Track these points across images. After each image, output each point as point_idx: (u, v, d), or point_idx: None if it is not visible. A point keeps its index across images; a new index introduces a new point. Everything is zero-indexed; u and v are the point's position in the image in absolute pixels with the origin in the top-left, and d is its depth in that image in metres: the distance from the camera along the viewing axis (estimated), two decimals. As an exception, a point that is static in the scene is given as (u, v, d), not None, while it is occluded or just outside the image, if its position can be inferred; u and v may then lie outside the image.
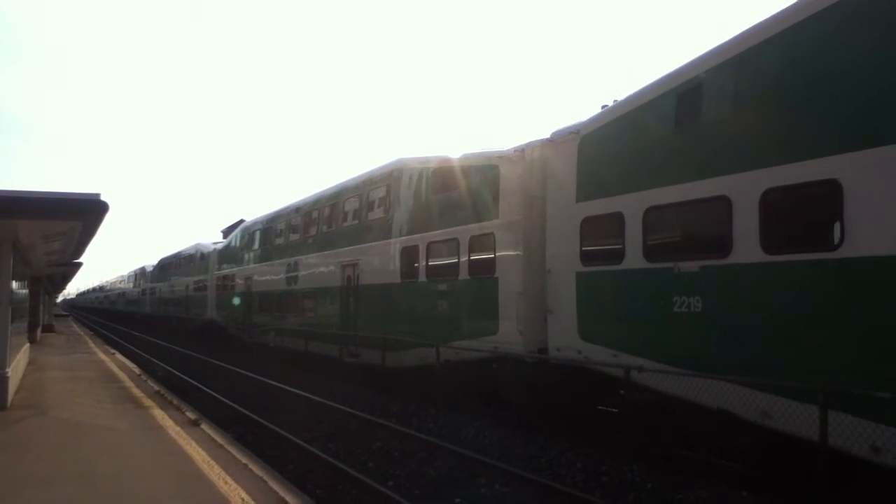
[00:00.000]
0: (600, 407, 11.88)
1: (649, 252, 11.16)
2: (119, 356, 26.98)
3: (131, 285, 74.02)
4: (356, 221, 21.74)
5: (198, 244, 43.37)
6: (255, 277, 30.95)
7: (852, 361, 8.11)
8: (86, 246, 17.58)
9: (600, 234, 12.26)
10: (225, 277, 36.12)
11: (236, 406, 16.05)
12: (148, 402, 14.39)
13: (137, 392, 16.03)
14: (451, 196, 16.70)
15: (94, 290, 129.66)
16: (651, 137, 11.35)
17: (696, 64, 10.63)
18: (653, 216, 11.15)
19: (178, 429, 11.46)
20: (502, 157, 14.99)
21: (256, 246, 31.78)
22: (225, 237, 42.37)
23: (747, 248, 9.53)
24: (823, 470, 8.07)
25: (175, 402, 14.53)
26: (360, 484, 9.77)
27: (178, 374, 22.73)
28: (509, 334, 14.21)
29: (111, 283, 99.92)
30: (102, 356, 26.51)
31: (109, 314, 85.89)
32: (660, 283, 10.85)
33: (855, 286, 8.24)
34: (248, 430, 13.68)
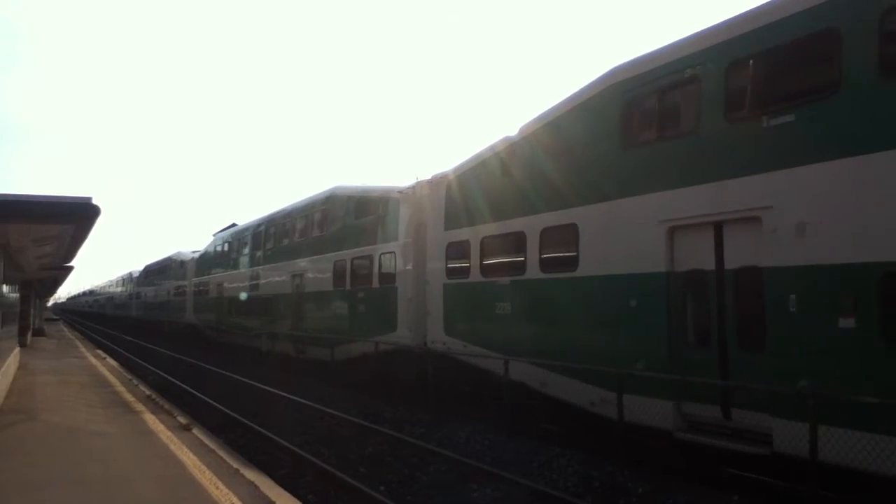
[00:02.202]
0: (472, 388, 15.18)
1: (483, 270, 15.16)
2: (110, 360, 26.92)
3: (119, 290, 75.44)
4: (302, 238, 25.58)
5: (178, 252, 46.31)
6: (226, 284, 34.19)
7: (595, 346, 11.94)
8: (77, 250, 17.52)
9: (458, 255, 16.07)
10: (201, 284, 39.09)
11: (228, 411, 16.04)
12: (139, 407, 14.33)
13: (129, 397, 15.97)
14: (367, 221, 20.62)
15: (84, 294, 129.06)
16: (486, 186, 15.34)
17: (511, 138, 14.71)
18: (486, 243, 15.14)
19: (169, 433, 11.40)
20: (402, 192, 19.02)
21: (226, 256, 34.96)
22: None
23: (534, 268, 13.57)
24: (542, 406, 12.96)
25: (166, 406, 14.49)
26: (352, 489, 9.78)
27: (169, 378, 22.76)
28: (403, 331, 18.09)
29: (101, 288, 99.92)
30: (93, 360, 26.46)
31: (99, 318, 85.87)
32: (489, 293, 14.80)
33: (590, 295, 12.20)
34: (240, 435, 13.66)
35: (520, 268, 13.93)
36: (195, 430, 11.77)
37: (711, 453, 9.73)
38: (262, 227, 30.12)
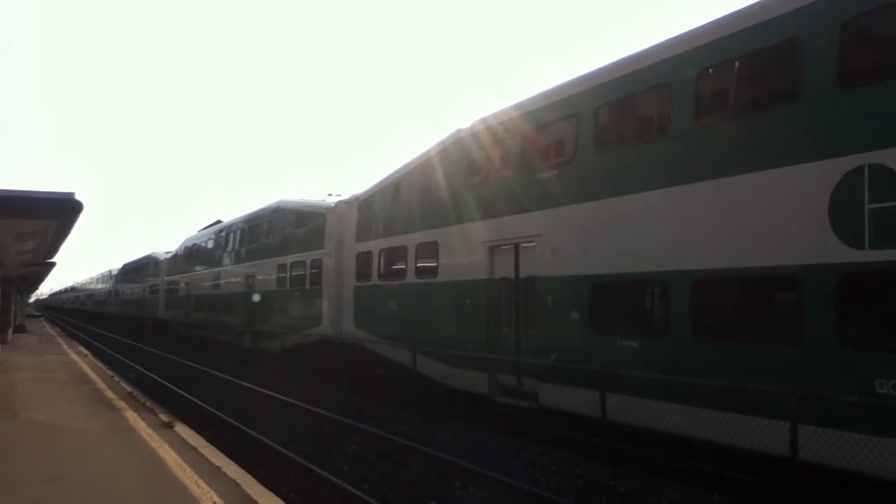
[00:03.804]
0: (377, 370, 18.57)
1: (379, 275, 19.03)
2: (91, 357, 26.70)
3: (100, 286, 78.22)
4: (253, 244, 29.38)
5: (154, 252, 49.65)
6: (193, 283, 37.69)
7: (446, 334, 15.57)
8: (59, 246, 17.45)
9: (364, 262, 19.87)
10: (171, 282, 42.87)
11: (210, 408, 16.05)
12: (120, 404, 14.26)
13: (110, 394, 15.87)
14: (303, 231, 24.27)
15: (66, 290, 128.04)
16: (383, 208, 19.36)
17: (396, 172, 18.82)
18: (382, 254, 18.96)
19: (150, 431, 11.34)
20: (328, 208, 22.79)
21: (192, 258, 38.53)
22: None
23: (411, 275, 17.39)
24: (417, 387, 15.89)
25: (148, 404, 14.41)
26: (335, 487, 9.80)
27: (151, 375, 22.79)
28: (326, 325, 21.76)
29: (82, 284, 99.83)
30: (75, 357, 26.28)
31: (80, 314, 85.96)
32: (383, 294, 18.70)
33: (446, 295, 15.88)
34: (222, 433, 13.59)
35: (403, 274, 17.83)
36: (177, 428, 11.72)
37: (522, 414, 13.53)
38: (223, 233, 34.00)
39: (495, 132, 14.88)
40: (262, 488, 8.12)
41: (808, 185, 8.67)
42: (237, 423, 14.26)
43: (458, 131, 16.11)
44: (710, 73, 10.30)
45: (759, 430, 8.63)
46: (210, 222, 38.80)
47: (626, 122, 11.93)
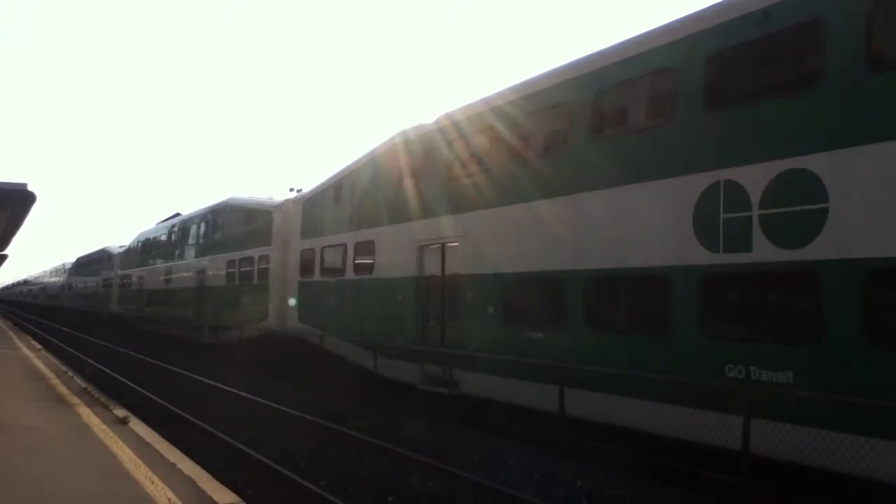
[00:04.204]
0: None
1: (322, 271, 20.00)
2: (44, 352, 26.12)
3: (53, 280, 77.76)
4: (204, 240, 30.33)
5: (107, 246, 49.94)
6: (145, 277, 38.30)
7: (381, 327, 16.58)
8: (11, 238, 17.07)
9: (308, 259, 20.81)
10: (125, 277, 43.40)
11: (167, 404, 15.88)
12: (74, 400, 13.98)
13: (63, 389, 15.54)
14: (251, 228, 25.16)
15: (18, 283, 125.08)
16: (326, 207, 20.35)
17: (338, 174, 20.00)
18: (324, 251, 19.97)
19: (104, 427, 11.12)
20: (275, 206, 23.78)
21: (146, 252, 39.13)
22: None
23: (350, 271, 18.45)
24: (354, 371, 17.31)
25: (102, 399, 14.15)
26: (292, 483, 9.76)
27: (106, 370, 22.45)
28: (272, 319, 22.77)
29: (35, 278, 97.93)
30: (27, 352, 25.68)
31: (33, 308, 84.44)
32: (325, 289, 19.68)
33: (381, 290, 16.86)
34: (179, 429, 13.42)
35: (342, 270, 18.81)
36: (132, 424, 11.52)
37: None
38: (175, 228, 34.51)
39: (424, 140, 15.99)
40: (218, 485, 8.00)
41: (676, 196, 9.90)
42: (194, 419, 14.16)
43: (392, 138, 17.21)
44: (601, 96, 11.53)
45: (637, 410, 9.93)
46: (170, 215, 38.91)
47: (538, 136, 13.00)
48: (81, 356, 27.18)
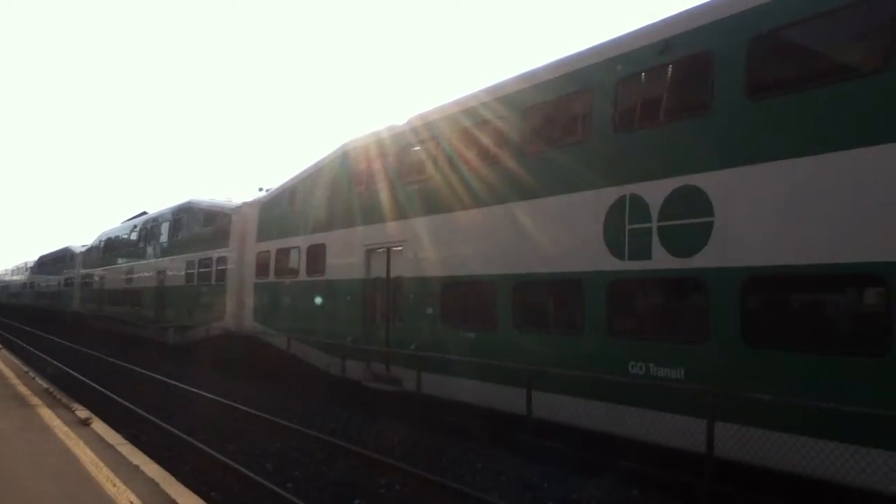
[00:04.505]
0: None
1: (276, 273, 20.73)
2: (5, 351, 25.60)
3: (15, 278, 76.90)
4: (164, 241, 30.63)
5: (68, 246, 50.06)
6: (106, 277, 38.52)
7: (330, 327, 17.34)
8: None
9: (263, 261, 21.52)
10: (87, 276, 43.47)
11: (131, 405, 15.64)
12: (34, 401, 13.71)
13: (23, 390, 15.24)
14: (211, 230, 25.61)
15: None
16: (280, 211, 21.06)
17: (292, 179, 20.65)
18: (278, 253, 20.69)
19: (66, 429, 10.92)
20: (233, 208, 24.27)
21: (108, 252, 39.19)
22: None
23: (303, 273, 19.16)
24: (306, 370, 17.96)
25: (64, 400, 13.88)
26: (257, 486, 9.65)
27: (68, 370, 22.05)
28: (229, 318, 23.28)
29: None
30: (-14, 352, 25.07)
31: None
32: (279, 290, 20.55)
33: (331, 292, 17.60)
34: (143, 431, 13.32)
35: (295, 272, 19.51)
36: (94, 425, 11.31)
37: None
38: (136, 228, 34.82)
39: (372, 148, 16.77)
40: (181, 488, 7.89)
41: (590, 208, 10.81)
42: (158, 420, 14.02)
43: (345, 145, 17.96)
44: (527, 114, 12.41)
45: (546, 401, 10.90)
46: (137, 213, 38.66)
47: (472, 149, 13.74)
48: (43, 356, 26.78)
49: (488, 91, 13.38)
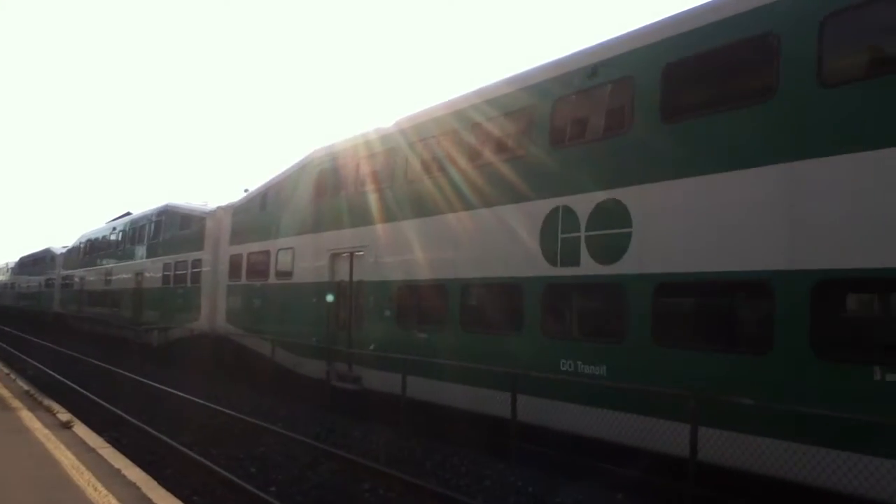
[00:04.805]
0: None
1: (247, 275, 21.41)
2: (-15, 353, 25.32)
3: None
4: (143, 243, 30.98)
5: (49, 247, 50.53)
6: (87, 278, 39.08)
7: (298, 328, 17.99)
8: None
9: (236, 264, 22.17)
10: (67, 277, 44.00)
11: (113, 408, 15.53)
12: (15, 403, 13.61)
13: (4, 392, 15.14)
14: (187, 233, 26.35)
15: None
16: (252, 216, 21.84)
17: (264, 185, 21.51)
18: (250, 257, 21.30)
19: (46, 432, 10.83)
20: (208, 212, 24.93)
21: (87, 254, 39.83)
22: None
23: (273, 276, 19.86)
24: (275, 369, 18.64)
25: (45, 402, 13.78)
26: (240, 490, 9.59)
27: (50, 372, 21.92)
28: (203, 319, 23.97)
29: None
30: (-34, 354, 24.82)
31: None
32: (250, 292, 21.20)
33: (299, 294, 18.23)
34: (125, 434, 13.23)
35: (266, 275, 20.21)
36: (76, 428, 11.25)
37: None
38: (116, 231, 35.46)
39: (337, 157, 17.61)
40: (164, 492, 7.84)
41: (528, 218, 11.66)
42: (140, 424, 13.90)
43: (312, 153, 18.78)
44: (473, 129, 13.30)
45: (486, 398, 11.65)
46: (121, 214, 38.93)
47: (427, 161, 14.55)
48: (24, 357, 26.60)
49: (441, 106, 14.27)
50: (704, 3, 9.67)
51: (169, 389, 18.55)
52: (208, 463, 10.96)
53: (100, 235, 38.51)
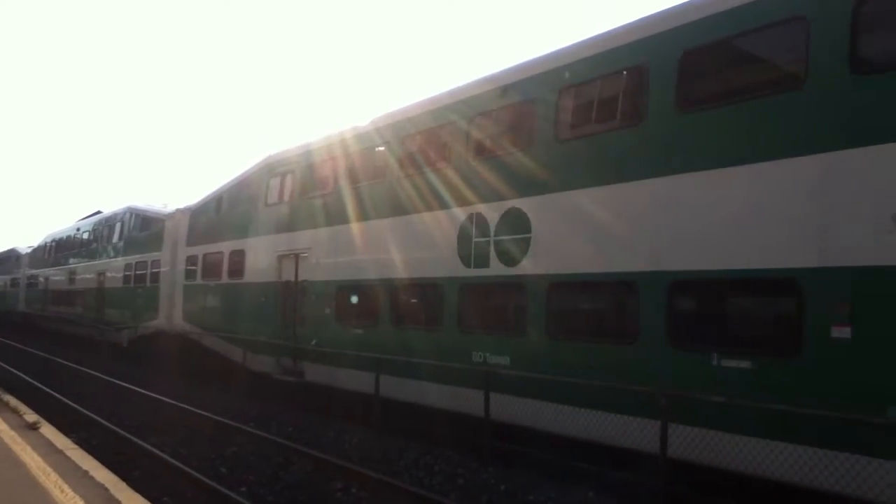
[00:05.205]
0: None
1: (203, 275, 22.26)
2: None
3: None
4: (105, 244, 31.91)
5: (14, 247, 51.21)
6: (51, 278, 39.81)
7: (249, 325, 18.95)
8: None
9: (192, 264, 23.03)
10: (32, 276, 44.71)
11: (81, 409, 15.32)
12: (-21, 405, 13.30)
13: (-31, 393, 14.78)
14: (147, 234, 27.27)
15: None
16: (208, 218, 22.69)
17: (219, 189, 22.23)
18: (205, 257, 22.15)
19: (12, 433, 10.61)
20: (167, 214, 25.77)
21: (52, 254, 40.47)
22: None
23: (225, 276, 20.82)
24: (224, 363, 19.78)
25: (12, 403, 13.51)
26: (211, 490, 9.50)
27: (16, 372, 21.57)
28: (162, 318, 24.73)
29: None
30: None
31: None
32: (205, 292, 22.09)
33: (249, 293, 19.32)
34: (94, 435, 13.07)
35: (219, 274, 21.11)
36: (43, 429, 11.04)
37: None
38: (79, 232, 36.17)
39: (284, 164, 18.75)
40: (132, 493, 7.73)
41: (448, 224, 12.90)
42: (109, 424, 13.74)
43: (265, 159, 19.83)
44: (403, 142, 14.55)
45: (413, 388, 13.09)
46: (91, 213, 38.89)
47: (362, 168, 15.71)
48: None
49: (380, 118, 15.43)
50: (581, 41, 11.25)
51: (138, 389, 18.37)
52: (178, 464, 10.86)
53: (65, 235, 39.09)
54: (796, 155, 8.08)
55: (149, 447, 11.91)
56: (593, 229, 10.26)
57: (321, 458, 11.34)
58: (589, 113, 10.98)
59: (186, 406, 15.81)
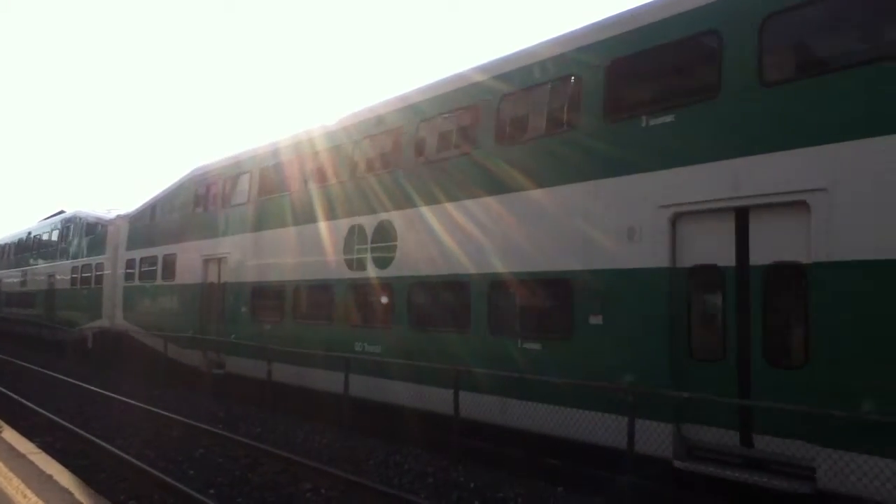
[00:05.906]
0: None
1: (139, 277, 23.93)
2: None
3: None
4: (54, 248, 33.51)
5: None
6: (4, 280, 41.35)
7: (179, 323, 20.75)
8: None
9: (131, 267, 24.72)
10: None
11: (45, 412, 15.05)
12: (-64, 410, 13.01)
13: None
14: (91, 238, 28.87)
15: None
16: (145, 224, 24.38)
17: (155, 197, 23.97)
18: (142, 260, 23.81)
19: (-28, 438, 10.42)
20: (110, 220, 27.48)
21: (7, 255, 41.80)
22: None
23: (160, 278, 22.43)
24: (162, 360, 19.16)
25: (-29, 408, 13.23)
26: (178, 493, 9.41)
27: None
28: (104, 318, 26.34)
29: None
30: None
31: None
32: (142, 292, 23.78)
33: (180, 293, 21.28)
34: (58, 438, 12.89)
35: (154, 276, 22.87)
36: (4, 434, 10.84)
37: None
38: (31, 235, 37.65)
39: (208, 175, 20.59)
40: (98, 497, 7.67)
41: (339, 232, 14.87)
42: (73, 427, 13.54)
43: (192, 171, 21.62)
44: (317, 156, 16.30)
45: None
46: (54, 212, 39.08)
47: (273, 181, 17.59)
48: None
49: (286, 138, 17.30)
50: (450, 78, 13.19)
51: (103, 391, 18.18)
52: (145, 466, 10.73)
53: (16, 239, 40.74)
54: (568, 182, 10.40)
55: (114, 450, 11.76)
56: (439, 239, 12.39)
57: (290, 458, 11.29)
58: (437, 142, 13.22)
59: (154, 409, 15.68)
